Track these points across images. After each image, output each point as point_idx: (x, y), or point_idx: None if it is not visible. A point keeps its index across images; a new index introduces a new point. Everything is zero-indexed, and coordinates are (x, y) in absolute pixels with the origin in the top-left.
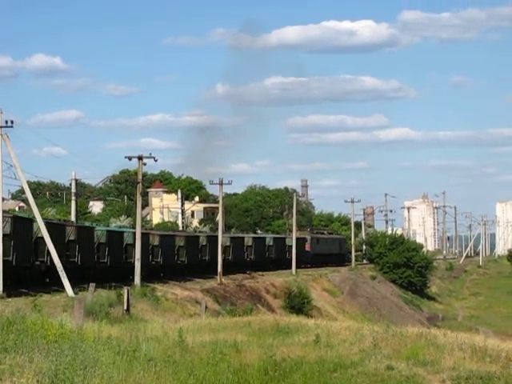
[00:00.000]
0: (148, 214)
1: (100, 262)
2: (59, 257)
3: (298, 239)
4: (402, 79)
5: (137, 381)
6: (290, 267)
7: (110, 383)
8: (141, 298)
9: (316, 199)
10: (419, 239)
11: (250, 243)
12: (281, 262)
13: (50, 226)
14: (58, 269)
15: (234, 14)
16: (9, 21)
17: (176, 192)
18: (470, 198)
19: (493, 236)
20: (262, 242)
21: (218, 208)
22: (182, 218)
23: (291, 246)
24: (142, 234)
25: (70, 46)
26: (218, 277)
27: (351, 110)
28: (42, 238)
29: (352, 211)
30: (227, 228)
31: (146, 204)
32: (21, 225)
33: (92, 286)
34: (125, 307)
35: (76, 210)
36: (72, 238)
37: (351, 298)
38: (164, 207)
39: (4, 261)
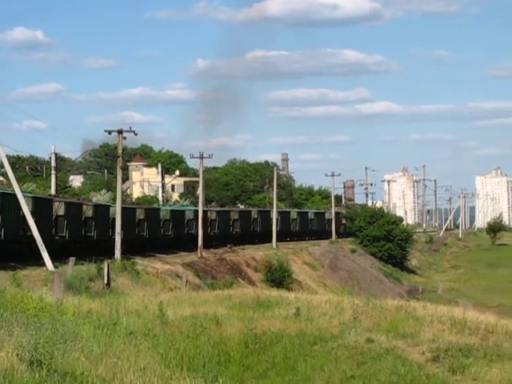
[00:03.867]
0: (128, 187)
1: (87, 236)
2: (44, 231)
3: (336, 213)
4: (385, 53)
5: (117, 354)
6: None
7: (89, 357)
8: (121, 272)
9: (296, 173)
10: (399, 212)
11: (294, 216)
12: (323, 233)
13: (36, 200)
14: (38, 243)
15: None
16: None
17: (156, 166)
18: (450, 172)
19: (472, 209)
20: (305, 216)
21: (198, 182)
22: (163, 192)
23: (330, 220)
24: (127, 208)
25: (51, 19)
26: (199, 251)
27: (333, 83)
28: (31, 212)
29: (332, 185)
30: (207, 202)
31: (126, 178)
32: (8, 200)
33: (72, 259)
34: (105, 281)
35: (56, 184)
36: (61, 213)
37: (332, 271)
38: (144, 181)
39: None
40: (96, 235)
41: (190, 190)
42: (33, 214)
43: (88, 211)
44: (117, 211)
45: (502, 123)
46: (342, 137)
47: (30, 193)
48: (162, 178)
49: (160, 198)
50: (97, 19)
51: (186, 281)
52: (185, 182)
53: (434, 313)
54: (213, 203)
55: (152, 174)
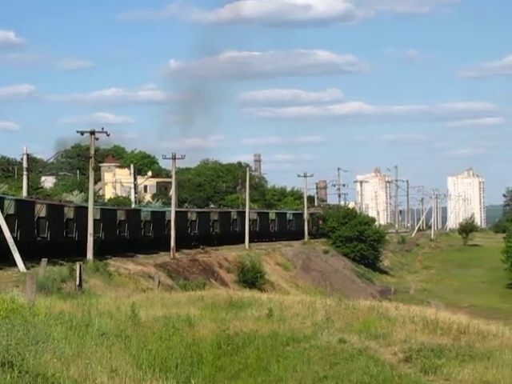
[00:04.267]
0: (100, 188)
1: (68, 237)
2: (26, 233)
3: (311, 214)
4: (357, 53)
5: (89, 355)
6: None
7: (61, 358)
8: (93, 273)
9: (269, 173)
10: (371, 213)
11: (273, 217)
12: (301, 234)
13: (18, 202)
14: (10, 244)
15: None
16: None
17: (129, 167)
18: (422, 172)
19: (444, 210)
20: (283, 216)
21: (170, 183)
22: (135, 193)
23: (309, 220)
24: (108, 209)
25: (23, 20)
26: (171, 251)
27: (306, 84)
28: (13, 214)
29: (305, 185)
30: (180, 203)
31: (98, 179)
32: None
33: (44, 261)
34: (77, 282)
35: (28, 185)
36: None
37: (304, 272)
38: (117, 182)
39: None
40: (77, 236)
41: (162, 191)
42: (15, 215)
43: (69, 213)
44: (89, 212)
45: (474, 124)
46: (315, 137)
47: (3, 193)
48: (135, 178)
49: (132, 198)
50: (70, 20)
51: (159, 282)
52: (157, 183)
53: (407, 313)
54: (186, 204)
55: (124, 175)
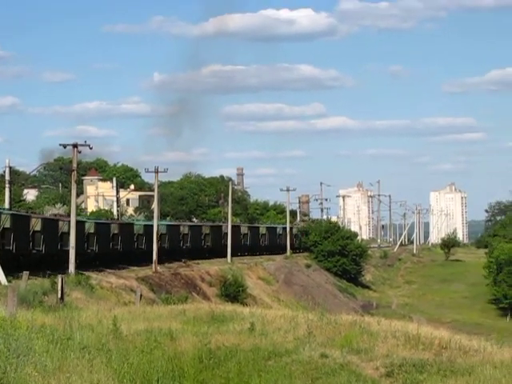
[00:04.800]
0: (83, 201)
1: (63, 250)
2: (22, 246)
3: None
4: (341, 68)
5: (70, 369)
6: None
7: (43, 371)
8: (75, 287)
9: (252, 187)
10: (354, 227)
11: (245, 231)
12: (275, 248)
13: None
14: None
15: (171, 1)
16: None
17: (111, 180)
18: (405, 187)
19: (427, 225)
20: (256, 230)
21: (153, 196)
22: (117, 206)
23: (281, 235)
24: (102, 223)
25: (6, 32)
26: (154, 265)
27: (289, 98)
28: (9, 228)
29: (288, 199)
30: (162, 216)
31: (80, 192)
32: None
33: (25, 274)
34: (59, 295)
35: (10, 197)
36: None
37: (286, 286)
38: (99, 195)
39: None
40: (97, 249)
41: (145, 204)
42: (11, 229)
43: (64, 227)
44: (71, 225)
45: (456, 139)
46: (298, 152)
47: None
48: (117, 192)
49: (115, 212)
50: (54, 32)
51: (141, 295)
52: (140, 196)
53: (388, 328)
54: (168, 217)
55: (107, 188)
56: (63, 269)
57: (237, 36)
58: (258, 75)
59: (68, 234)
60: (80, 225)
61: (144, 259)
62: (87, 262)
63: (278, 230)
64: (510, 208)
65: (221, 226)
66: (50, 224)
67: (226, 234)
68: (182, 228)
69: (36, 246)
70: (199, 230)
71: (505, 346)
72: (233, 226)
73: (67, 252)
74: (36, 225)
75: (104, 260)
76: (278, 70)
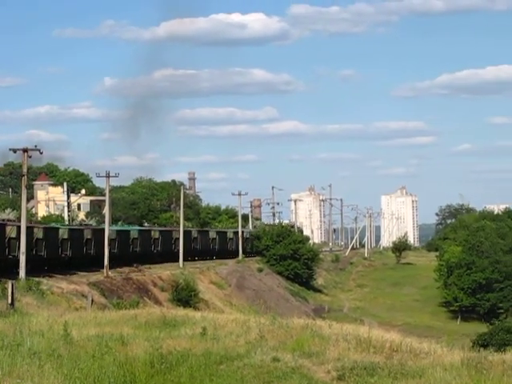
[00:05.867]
0: (33, 206)
1: (38, 255)
2: None
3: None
4: (293, 72)
5: (20, 375)
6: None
7: None
8: (26, 292)
9: (204, 192)
10: (306, 231)
11: (196, 235)
12: (225, 252)
13: None
14: None
15: (122, 6)
16: None
17: (62, 185)
18: (356, 191)
19: (378, 228)
20: (206, 235)
21: (104, 201)
22: (68, 211)
23: (232, 239)
24: (76, 229)
25: None
26: (105, 270)
27: (241, 102)
28: None
29: (239, 204)
30: (114, 221)
31: (31, 197)
32: None
33: None
34: (9, 301)
35: None
36: (13, 235)
37: (238, 290)
38: (50, 200)
39: None
40: (46, 254)
41: (96, 209)
42: None
43: (39, 233)
44: (21, 230)
45: (407, 143)
46: (250, 156)
47: None
48: (68, 196)
49: (66, 217)
50: (3, 37)
51: (92, 300)
52: (91, 201)
53: (340, 331)
54: (119, 222)
55: (57, 193)
56: (10, 274)
57: (188, 40)
58: (210, 79)
59: (41, 239)
60: (55, 231)
61: (94, 264)
62: (37, 268)
63: (228, 234)
64: (460, 211)
65: (171, 230)
66: (26, 231)
67: (177, 238)
68: (132, 233)
69: (12, 252)
70: (149, 234)
71: (455, 349)
72: (184, 231)
73: (41, 257)
74: (11, 232)
75: (53, 265)
76: (230, 74)
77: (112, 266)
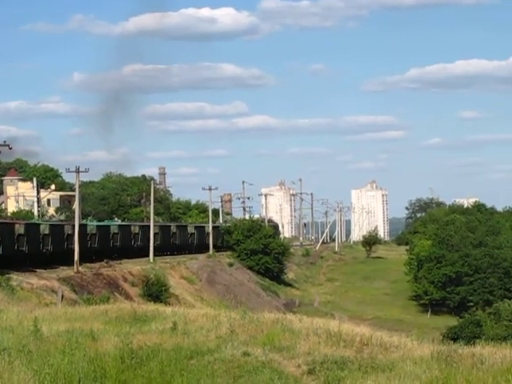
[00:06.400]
0: (3, 202)
1: (19, 250)
2: None
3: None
4: (263, 67)
5: None
6: None
7: None
8: None
9: (174, 187)
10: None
11: (174, 230)
12: (203, 247)
13: None
14: None
15: (91, 0)
16: None
17: (31, 180)
18: (327, 185)
19: (348, 222)
20: (185, 229)
21: (74, 196)
22: (38, 207)
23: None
24: (57, 225)
25: None
26: (75, 265)
27: (211, 97)
28: None
29: (210, 199)
30: (84, 216)
31: (0, 192)
32: None
33: None
34: None
35: None
36: None
37: (209, 285)
38: (19, 195)
39: None
40: (28, 250)
41: (66, 205)
42: None
43: (20, 229)
44: None
45: (377, 137)
46: (220, 151)
47: None
48: (38, 192)
49: (36, 212)
50: None
51: (62, 296)
52: (61, 197)
53: (310, 326)
54: (89, 217)
55: (27, 189)
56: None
57: (158, 35)
58: (179, 74)
59: (23, 235)
60: (36, 227)
61: (66, 260)
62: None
63: (206, 229)
64: (430, 205)
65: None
66: (7, 227)
67: (156, 233)
68: (112, 228)
69: None
70: (129, 229)
71: (425, 342)
72: (162, 226)
73: (23, 252)
74: None
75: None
76: (199, 68)
77: (93, 260)
